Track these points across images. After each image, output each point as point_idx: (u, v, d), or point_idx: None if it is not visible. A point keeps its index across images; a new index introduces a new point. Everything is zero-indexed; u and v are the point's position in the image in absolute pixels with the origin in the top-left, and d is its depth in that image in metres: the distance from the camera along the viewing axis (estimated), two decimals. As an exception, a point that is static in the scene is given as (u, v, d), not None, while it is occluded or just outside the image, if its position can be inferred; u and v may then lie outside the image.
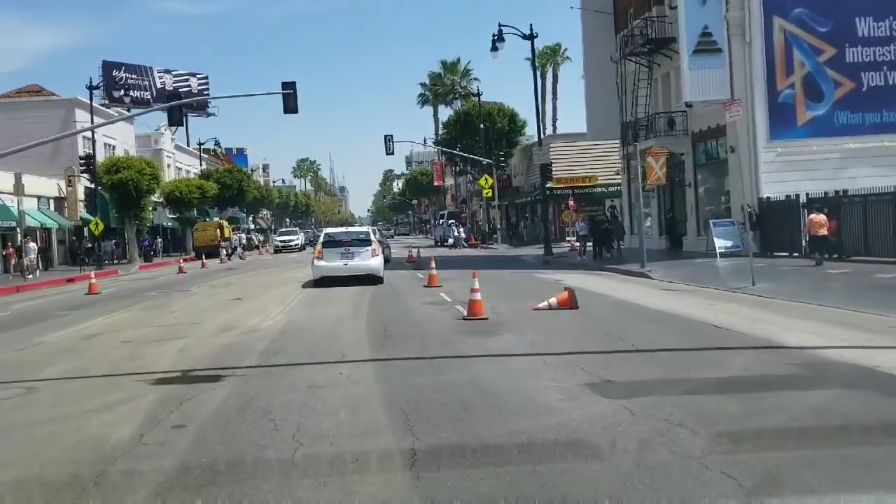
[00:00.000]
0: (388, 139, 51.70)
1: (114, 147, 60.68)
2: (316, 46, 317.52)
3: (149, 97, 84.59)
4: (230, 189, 74.15)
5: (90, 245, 44.26)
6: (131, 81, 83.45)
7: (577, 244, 34.40)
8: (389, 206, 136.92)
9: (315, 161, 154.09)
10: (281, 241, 55.97)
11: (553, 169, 51.83)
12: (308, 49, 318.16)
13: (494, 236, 54.00)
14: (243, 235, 65.52)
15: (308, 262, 26.96)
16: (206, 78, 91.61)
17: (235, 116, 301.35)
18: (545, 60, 72.41)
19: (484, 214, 57.37)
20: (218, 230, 59.98)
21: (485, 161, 53.29)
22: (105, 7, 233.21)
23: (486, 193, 53.18)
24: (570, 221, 50.71)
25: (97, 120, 53.46)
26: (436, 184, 78.22)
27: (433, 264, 21.49)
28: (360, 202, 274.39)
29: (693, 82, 28.17)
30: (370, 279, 22.07)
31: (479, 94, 52.61)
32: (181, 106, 34.82)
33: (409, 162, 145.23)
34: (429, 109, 77.79)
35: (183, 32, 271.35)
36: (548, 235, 38.00)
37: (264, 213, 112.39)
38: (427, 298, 17.66)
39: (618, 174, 41.25)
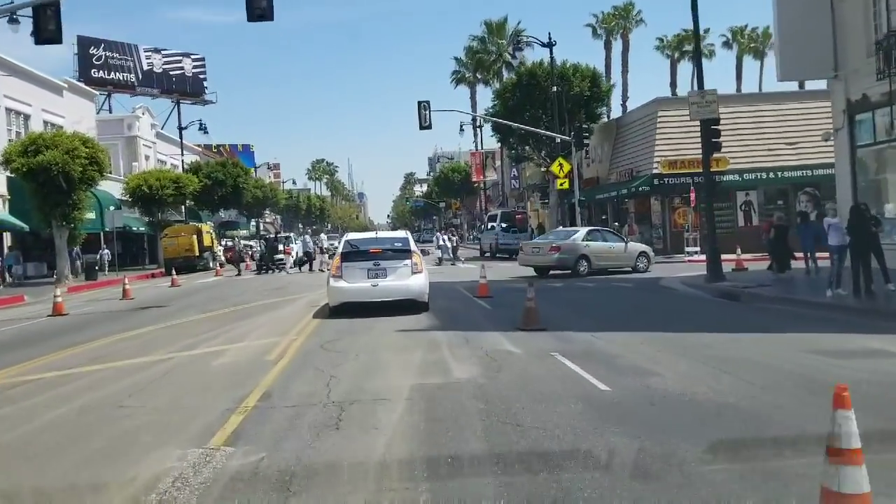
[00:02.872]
0: (424, 107, 34.43)
1: (61, 128, 43.51)
2: (332, 50, 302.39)
3: (133, 79, 67.97)
4: (223, 186, 57.12)
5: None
6: (112, 61, 66.67)
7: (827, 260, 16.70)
8: (412, 211, 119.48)
9: (332, 163, 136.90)
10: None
11: (658, 147, 34.41)
12: (324, 52, 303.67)
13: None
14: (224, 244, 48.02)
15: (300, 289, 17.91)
16: (202, 59, 74.90)
17: (244, 115, 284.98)
18: (612, 25, 54.99)
19: (554, 214, 39.82)
20: (195, 237, 42.82)
21: (558, 138, 35.81)
22: (123, 15, 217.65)
23: (561, 184, 35.75)
24: (690, 222, 33.28)
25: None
26: (474, 179, 60.64)
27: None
28: (380, 209, 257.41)
29: None
30: (409, 306, 14.21)
31: (551, 45, 35.20)
32: (55, 5, 17.51)
33: (432, 164, 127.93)
34: (464, 91, 60.32)
35: (202, 40, 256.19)
36: (715, 246, 20.59)
37: (274, 217, 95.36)
38: None
39: (826, 140, 23.66)
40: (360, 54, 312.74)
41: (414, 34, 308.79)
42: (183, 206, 53.87)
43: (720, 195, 34.22)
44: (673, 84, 56.49)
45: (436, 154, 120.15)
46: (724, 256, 30.94)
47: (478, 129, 58.25)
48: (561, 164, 35.86)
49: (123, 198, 47.63)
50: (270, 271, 33.47)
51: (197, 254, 42.08)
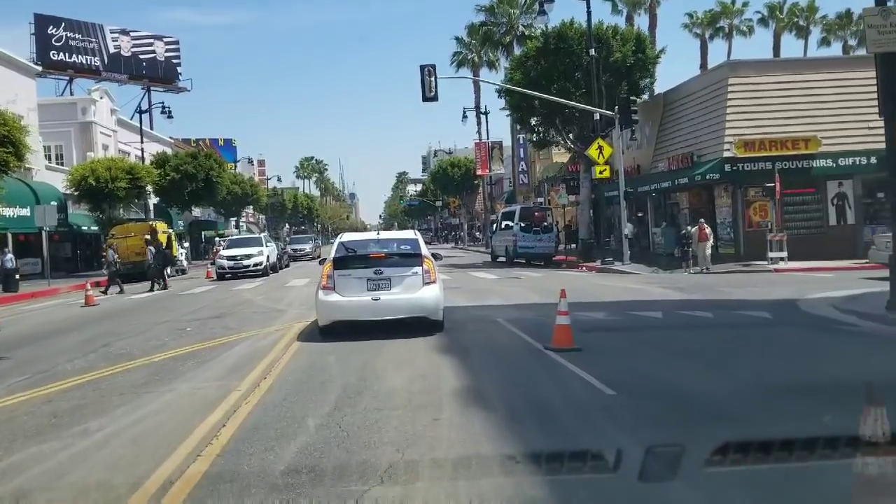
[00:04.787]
0: (428, 72, 26.12)
1: (-12, 107, 34.97)
2: (324, 50, 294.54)
3: (98, 63, 59.32)
4: (194, 180, 48.38)
5: None
6: (74, 43, 57.98)
7: None
8: (405, 210, 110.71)
9: (322, 161, 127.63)
10: (229, 259, 29.82)
11: (730, 123, 26.34)
12: (316, 53, 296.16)
13: (603, 245, 28.35)
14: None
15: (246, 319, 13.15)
16: (175, 43, 66.35)
17: (232, 112, 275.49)
18: (636, -2, 46.68)
19: (585, 211, 31.45)
20: (148, 237, 34.15)
21: (598, 114, 27.52)
22: (112, 17, 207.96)
23: (601, 172, 27.48)
24: (773, 220, 25.09)
25: None
26: (479, 173, 52.19)
27: None
28: (371, 210, 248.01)
29: None
30: (420, 324, 11.04)
31: (589, -5, 26.96)
32: None
33: (427, 161, 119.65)
34: (466, 75, 51.71)
35: (192, 41, 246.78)
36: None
37: (258, 217, 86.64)
38: None
39: None
40: (352, 54, 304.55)
41: (408, 31, 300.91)
42: (145, 202, 45.41)
43: (807, 185, 26.18)
44: (703, 67, 48.22)
45: (430, 151, 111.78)
46: (841, 264, 22.86)
47: (483, 117, 49.98)
48: (600, 147, 27.64)
49: (69, 192, 39.07)
50: (161, 287, 24.73)
51: (149, 258, 33.55)
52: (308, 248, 47.71)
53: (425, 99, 26.43)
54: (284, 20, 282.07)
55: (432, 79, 26.37)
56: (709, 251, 23.68)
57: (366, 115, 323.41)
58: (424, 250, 11.72)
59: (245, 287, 23.25)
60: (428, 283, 11.14)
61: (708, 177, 25.59)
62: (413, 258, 11.36)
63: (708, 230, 23.94)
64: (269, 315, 14.85)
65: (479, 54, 49.77)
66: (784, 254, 24.17)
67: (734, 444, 4.65)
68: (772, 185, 24.54)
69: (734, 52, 46.75)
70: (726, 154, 25.49)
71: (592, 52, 27.62)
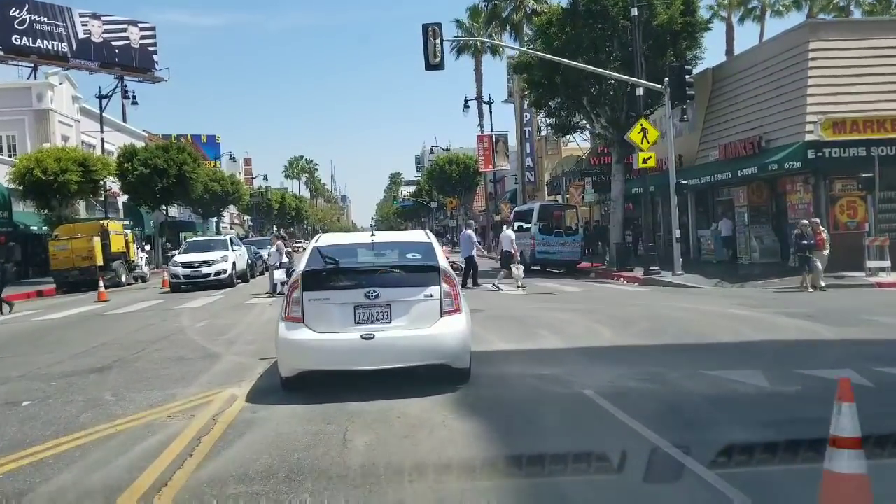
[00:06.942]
0: (433, 33, 20.31)
1: None
2: (319, 53, 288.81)
3: (66, 49, 52.99)
4: (165, 175, 42.20)
5: None
6: (39, 27, 51.70)
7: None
8: (398, 212, 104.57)
9: (312, 161, 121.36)
10: (185, 265, 23.64)
11: (813, 99, 20.65)
12: (310, 55, 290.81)
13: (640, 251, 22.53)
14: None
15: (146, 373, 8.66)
16: (151, 29, 60.03)
17: (223, 112, 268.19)
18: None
19: (618, 209, 25.66)
20: (97, 239, 28.21)
21: (639, 88, 21.70)
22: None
23: (644, 160, 21.69)
24: (874, 220, 19.35)
25: None
26: (482, 169, 46.22)
27: None
28: (364, 213, 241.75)
29: None
30: (436, 374, 7.12)
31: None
32: None
33: (420, 161, 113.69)
34: (468, 63, 46.06)
35: (184, 41, 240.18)
36: None
37: (243, 218, 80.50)
38: None
39: None
40: (346, 56, 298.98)
41: (404, 31, 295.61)
42: (105, 199, 39.34)
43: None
44: (730, 53, 42.55)
45: (424, 150, 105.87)
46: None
47: (486, 106, 44.08)
48: (644, 130, 21.83)
49: (13, 186, 33.07)
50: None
51: (99, 263, 27.49)
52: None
53: (429, 67, 20.59)
54: (277, 22, 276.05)
55: (437, 41, 20.53)
56: (823, 263, 17.57)
57: (359, 117, 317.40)
58: (443, 261, 7.51)
59: (192, 305, 17.20)
60: (449, 313, 7.11)
61: (787, 165, 19.72)
62: (426, 273, 7.29)
63: (825, 234, 17.85)
64: (189, 365, 8.93)
65: (480, 44, 43.88)
66: (887, 263, 18.47)
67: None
68: (870, 175, 18.82)
69: (765, 38, 40.96)
70: (809, 137, 19.70)
71: (634, 11, 21.82)
